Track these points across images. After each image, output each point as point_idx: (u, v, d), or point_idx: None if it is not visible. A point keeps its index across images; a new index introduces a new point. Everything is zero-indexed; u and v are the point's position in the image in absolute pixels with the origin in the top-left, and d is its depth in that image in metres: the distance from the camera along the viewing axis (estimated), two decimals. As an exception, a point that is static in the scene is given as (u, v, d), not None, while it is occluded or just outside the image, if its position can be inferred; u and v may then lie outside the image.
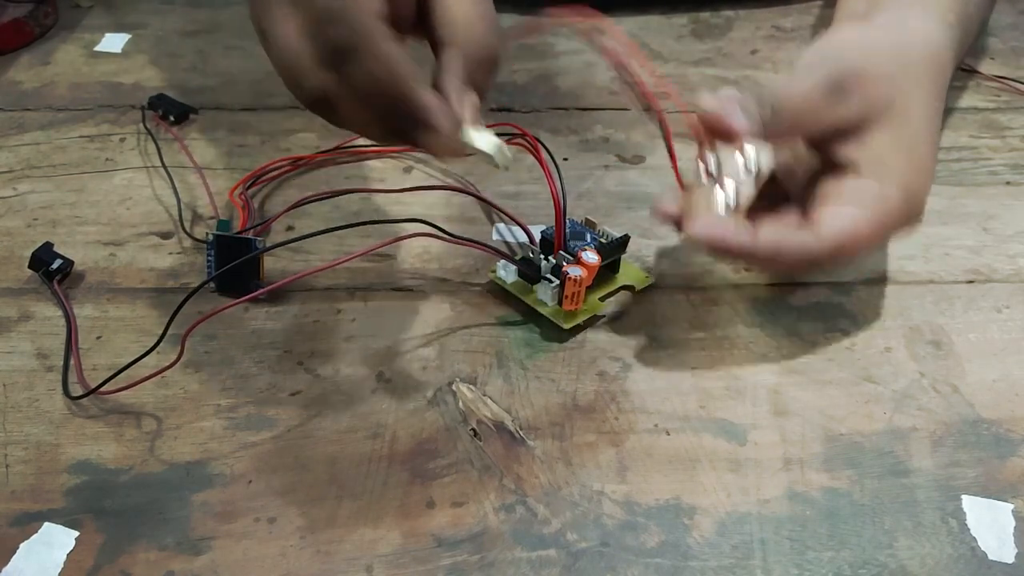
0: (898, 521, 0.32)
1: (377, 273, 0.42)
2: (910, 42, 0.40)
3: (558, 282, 0.39)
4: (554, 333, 0.39)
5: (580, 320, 0.39)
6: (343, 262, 0.39)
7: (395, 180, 0.48)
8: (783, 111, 0.35)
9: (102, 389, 0.35)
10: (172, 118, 0.52)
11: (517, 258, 0.40)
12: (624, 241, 0.41)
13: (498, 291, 0.41)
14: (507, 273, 0.40)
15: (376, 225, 0.40)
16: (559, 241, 0.40)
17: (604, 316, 0.40)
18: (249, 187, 0.47)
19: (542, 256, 0.40)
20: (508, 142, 0.44)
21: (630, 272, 0.42)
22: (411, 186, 0.45)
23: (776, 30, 0.64)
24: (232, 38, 0.61)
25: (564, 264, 0.38)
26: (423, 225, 0.39)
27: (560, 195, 0.40)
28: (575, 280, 0.37)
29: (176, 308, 0.35)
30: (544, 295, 0.39)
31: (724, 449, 0.35)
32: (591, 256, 0.38)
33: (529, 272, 0.40)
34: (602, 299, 0.40)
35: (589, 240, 0.41)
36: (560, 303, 0.39)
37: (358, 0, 0.31)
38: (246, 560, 0.31)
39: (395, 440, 0.35)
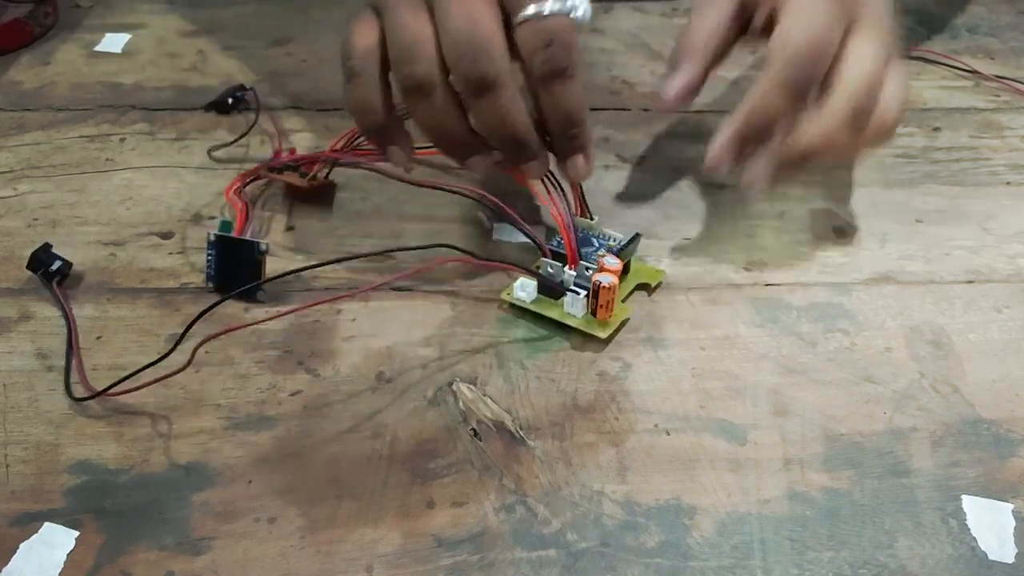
0: (898, 521, 0.32)
1: (377, 273, 0.42)
2: None
3: (585, 293, 0.38)
4: (560, 334, 0.39)
5: (613, 327, 0.39)
6: (360, 292, 0.40)
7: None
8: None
9: (108, 392, 0.35)
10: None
11: (536, 267, 0.40)
12: (635, 240, 0.41)
13: (516, 310, 0.40)
14: (526, 292, 0.39)
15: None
16: (573, 253, 0.39)
17: (630, 319, 0.40)
18: (247, 184, 0.47)
19: (563, 268, 0.39)
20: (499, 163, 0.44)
21: (642, 271, 0.42)
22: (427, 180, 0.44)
23: (776, 30, 0.64)
24: (232, 38, 0.61)
25: (590, 273, 0.38)
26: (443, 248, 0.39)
27: (564, 210, 0.40)
28: (609, 288, 0.37)
29: (192, 321, 0.35)
30: (574, 308, 0.39)
31: (724, 449, 0.35)
32: (612, 260, 0.38)
33: (553, 287, 0.39)
34: (624, 301, 0.40)
35: (597, 246, 0.41)
36: (593, 313, 0.38)
37: (496, 40, 0.36)
38: (246, 560, 0.31)
39: (395, 440, 0.35)
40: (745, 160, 0.40)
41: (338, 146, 0.49)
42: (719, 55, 0.43)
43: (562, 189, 0.41)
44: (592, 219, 0.42)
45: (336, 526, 0.32)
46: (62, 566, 0.31)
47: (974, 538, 0.32)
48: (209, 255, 0.41)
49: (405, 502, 0.33)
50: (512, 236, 0.44)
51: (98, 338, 0.39)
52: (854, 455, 0.34)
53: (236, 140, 0.50)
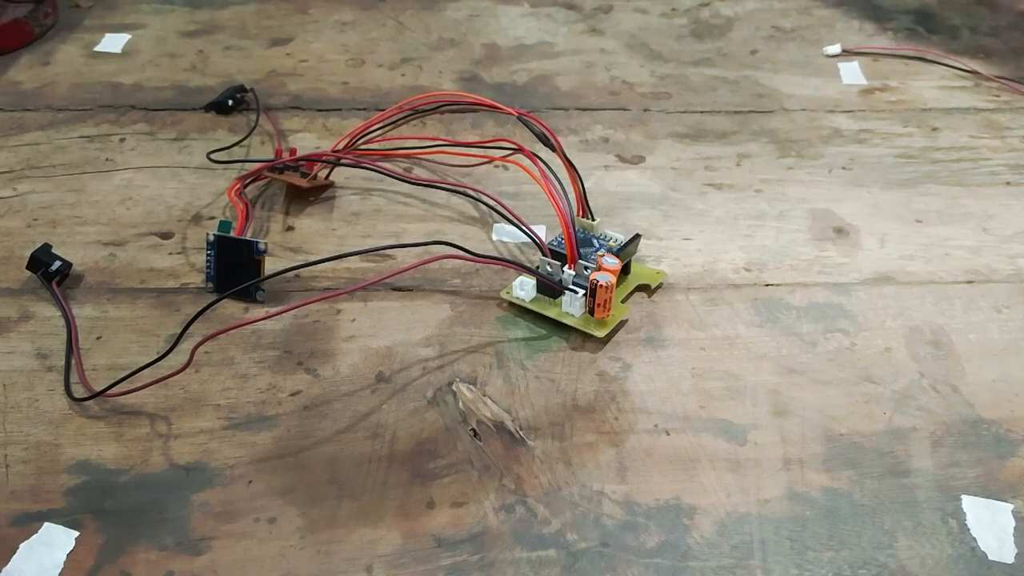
0: (898, 521, 0.32)
1: (377, 273, 0.42)
2: None
3: (583, 292, 0.38)
4: (559, 334, 0.39)
5: (612, 327, 0.39)
6: (358, 289, 0.39)
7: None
8: None
9: (107, 392, 0.35)
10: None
11: (536, 268, 0.40)
12: (635, 240, 0.41)
13: (515, 308, 0.40)
14: (524, 291, 0.40)
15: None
16: (572, 252, 0.40)
17: (628, 319, 0.40)
18: (247, 185, 0.47)
19: (561, 267, 0.39)
20: (504, 159, 0.44)
21: (642, 272, 0.42)
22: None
23: (776, 30, 0.64)
24: (232, 38, 0.61)
25: (589, 272, 0.38)
26: (442, 245, 0.39)
27: (566, 210, 0.40)
28: (607, 287, 0.37)
29: (190, 320, 0.35)
30: (572, 307, 0.39)
31: (724, 449, 0.35)
32: (611, 260, 0.38)
33: (552, 285, 0.39)
34: (623, 301, 0.40)
35: (597, 246, 0.41)
36: (591, 312, 0.38)
37: None
38: (246, 560, 0.31)
39: (395, 440, 0.35)
40: None
41: (338, 146, 0.49)
42: None
43: (563, 188, 0.41)
44: (593, 220, 0.42)
45: (336, 526, 0.32)
46: (62, 566, 0.31)
47: (974, 538, 0.32)
48: (209, 255, 0.41)
49: (405, 502, 0.33)
50: (510, 236, 0.44)
51: (98, 338, 0.39)
52: (854, 455, 0.34)
53: (239, 142, 0.51)
